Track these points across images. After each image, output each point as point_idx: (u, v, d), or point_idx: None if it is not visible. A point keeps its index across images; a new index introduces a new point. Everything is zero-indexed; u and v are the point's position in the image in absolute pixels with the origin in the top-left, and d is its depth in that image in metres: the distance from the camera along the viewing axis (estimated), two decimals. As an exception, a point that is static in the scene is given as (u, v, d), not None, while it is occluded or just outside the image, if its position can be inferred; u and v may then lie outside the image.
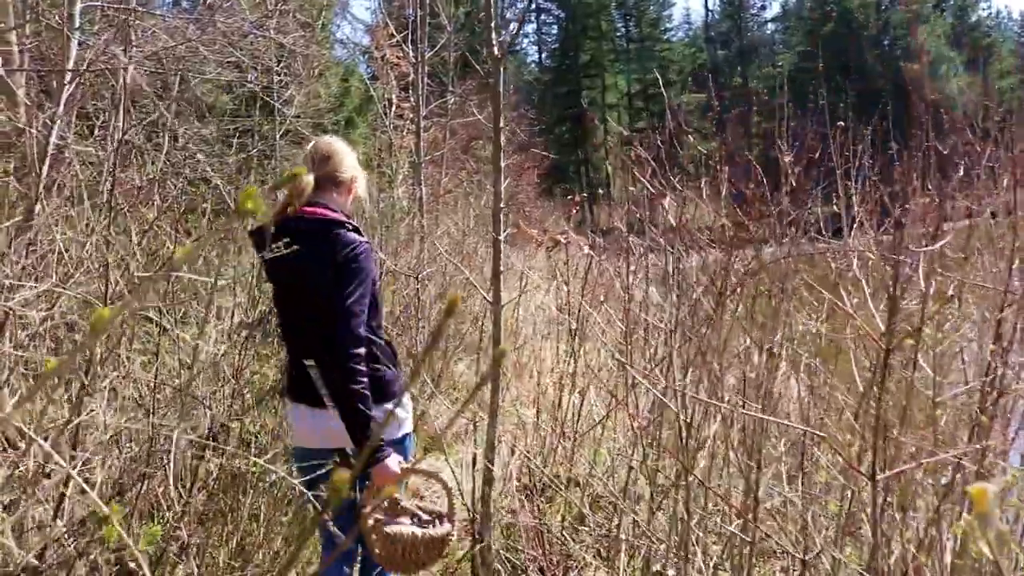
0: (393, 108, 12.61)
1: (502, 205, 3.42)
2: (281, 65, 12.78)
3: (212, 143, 12.00)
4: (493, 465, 3.30)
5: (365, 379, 2.75)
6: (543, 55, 56.97)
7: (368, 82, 16.47)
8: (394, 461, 2.78)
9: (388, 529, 2.76)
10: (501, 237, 3.40)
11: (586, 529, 3.78)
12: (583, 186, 44.44)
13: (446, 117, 12.35)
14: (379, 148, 14.20)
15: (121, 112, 5.40)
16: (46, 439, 2.47)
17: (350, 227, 2.95)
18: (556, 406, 4.58)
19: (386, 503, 2.82)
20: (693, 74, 57.56)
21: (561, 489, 4.04)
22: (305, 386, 2.83)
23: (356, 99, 18.14)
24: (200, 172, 10.87)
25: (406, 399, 3.13)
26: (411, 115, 11.94)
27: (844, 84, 51.28)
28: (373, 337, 2.92)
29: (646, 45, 53.73)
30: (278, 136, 11.88)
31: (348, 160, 3.12)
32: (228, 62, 10.77)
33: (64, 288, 3.16)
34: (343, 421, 2.72)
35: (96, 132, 8.47)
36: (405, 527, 2.78)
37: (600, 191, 50.19)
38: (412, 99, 10.59)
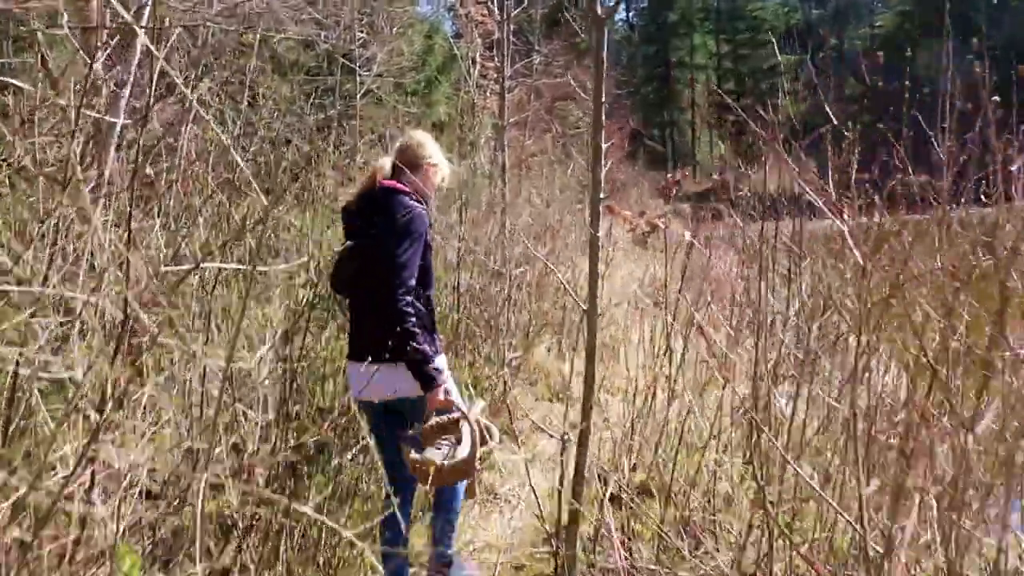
0: (477, 67, 12.15)
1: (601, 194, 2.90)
2: (363, 22, 12.46)
3: (292, 102, 11.78)
4: (582, 483, 2.86)
5: (414, 318, 3.26)
6: (631, 13, 55.67)
7: (452, 40, 16.01)
8: (443, 391, 3.32)
9: (414, 456, 3.23)
10: (600, 233, 2.90)
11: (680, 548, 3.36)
12: (669, 151, 43.47)
13: (531, 77, 11.84)
14: (461, 109, 13.80)
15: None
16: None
17: (411, 197, 3.48)
18: (648, 403, 4.14)
19: (432, 426, 3.32)
20: (786, 34, 55.57)
21: (660, 497, 3.63)
22: (363, 345, 3.35)
23: (439, 58, 17.70)
24: (279, 132, 10.64)
25: (440, 359, 3.49)
26: (495, 75, 11.48)
27: (947, 44, 48.73)
28: (416, 302, 3.35)
29: (737, 4, 51.90)
30: (358, 95, 11.54)
31: (427, 149, 3.69)
32: (307, 18, 10.50)
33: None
34: (408, 361, 3.23)
35: (175, 91, 8.28)
36: (433, 452, 3.27)
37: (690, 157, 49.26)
38: (497, 58, 10.11)
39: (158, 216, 5.56)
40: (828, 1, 55.09)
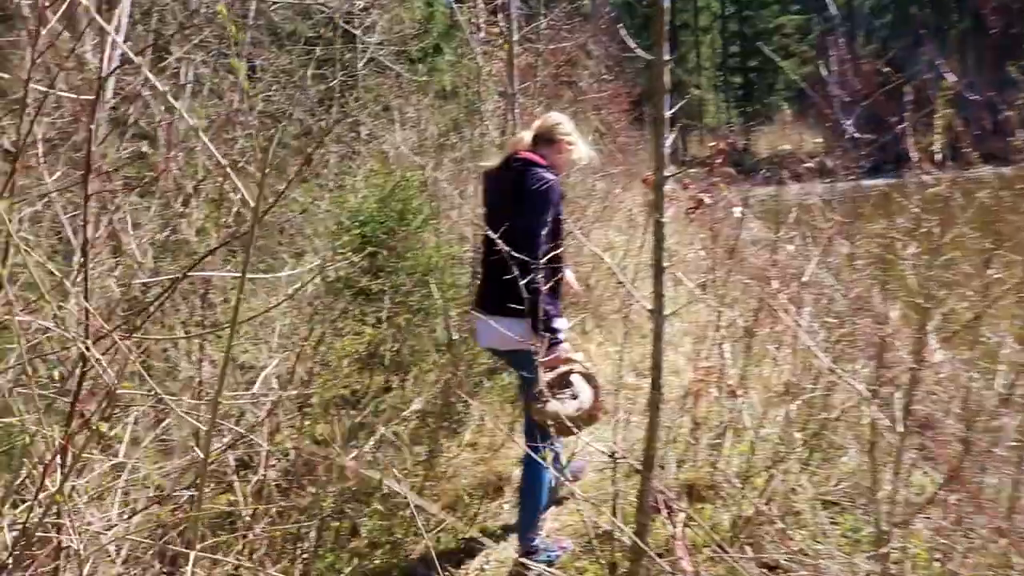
0: (481, 33, 11.70)
1: (665, 173, 2.40)
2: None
3: (291, 74, 11.36)
4: (651, 471, 2.46)
5: (543, 281, 3.45)
6: (633, -24, 54.65)
7: (452, 6, 15.50)
8: (563, 348, 3.64)
9: (548, 409, 3.42)
10: (665, 219, 2.46)
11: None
12: (675, 114, 42.79)
13: (538, 43, 11.38)
14: (466, 77, 13.37)
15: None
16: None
17: (546, 169, 3.82)
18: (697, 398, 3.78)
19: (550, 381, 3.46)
20: (792, -6, 54.68)
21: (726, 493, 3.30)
22: (491, 299, 3.71)
23: (441, 24, 17.22)
24: (278, 105, 10.25)
25: (562, 320, 3.72)
26: (501, 40, 11.03)
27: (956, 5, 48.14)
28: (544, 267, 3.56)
29: (743, -36, 50.94)
30: (360, 65, 11.11)
31: (564, 127, 4.05)
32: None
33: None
34: (529, 316, 3.43)
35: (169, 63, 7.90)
36: (558, 406, 3.40)
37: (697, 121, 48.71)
38: (502, 22, 9.67)
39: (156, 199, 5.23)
40: (835, -42, 54.04)
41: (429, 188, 5.43)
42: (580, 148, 4.11)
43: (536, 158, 3.85)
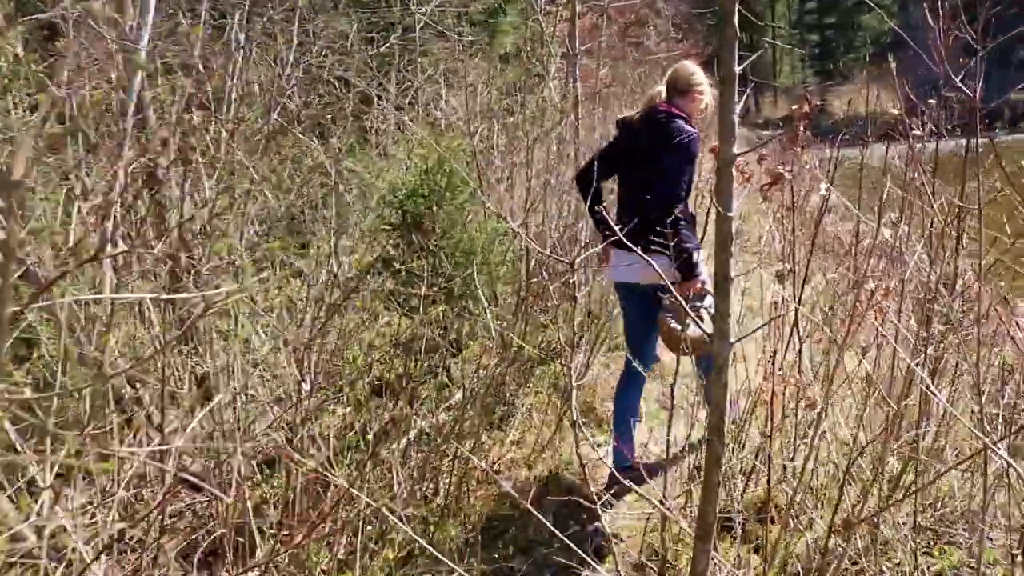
0: (544, -7, 11.23)
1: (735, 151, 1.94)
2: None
3: (349, 39, 11.05)
4: (708, 540, 2.04)
5: (684, 220, 3.79)
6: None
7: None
8: (703, 279, 3.93)
9: (676, 326, 3.78)
10: (733, 212, 1.97)
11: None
12: (747, 72, 41.49)
13: (603, 1, 10.86)
14: (529, 38, 12.90)
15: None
16: None
17: (686, 121, 4.10)
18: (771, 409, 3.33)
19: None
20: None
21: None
22: (633, 236, 3.43)
23: (505, -16, 16.71)
24: (334, 71, 9.95)
25: (700, 253, 4.02)
26: (564, 0, 10.58)
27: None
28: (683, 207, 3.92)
29: (820, -83, 48.90)
30: (418, 28, 10.74)
31: (693, 78, 4.25)
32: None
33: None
34: (675, 253, 3.35)
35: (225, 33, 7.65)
36: (693, 328, 3.51)
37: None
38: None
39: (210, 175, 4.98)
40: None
41: (477, 159, 5.03)
42: (707, 97, 4.31)
43: (677, 111, 4.13)
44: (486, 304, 4.17)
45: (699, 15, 26.64)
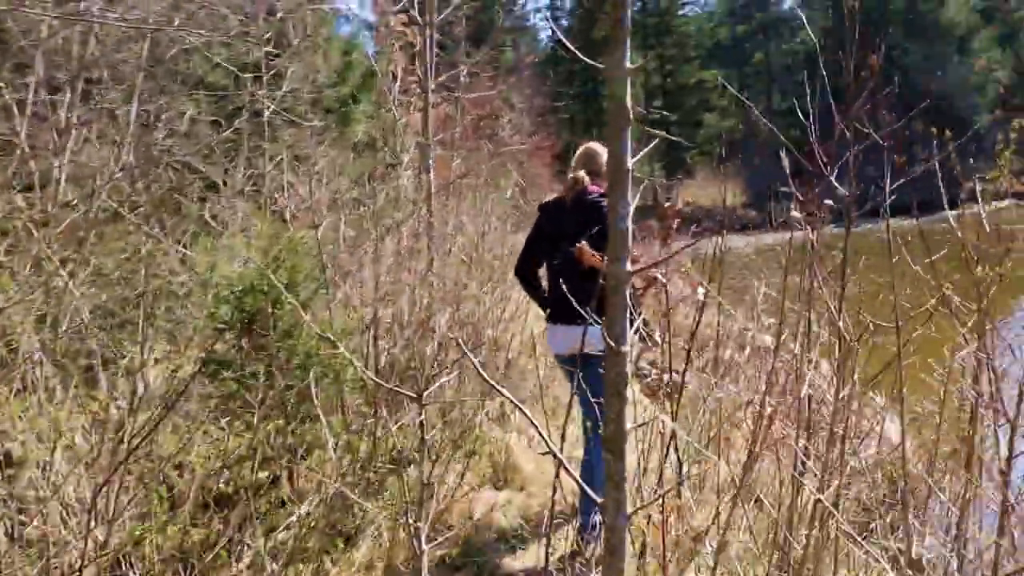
0: (398, 82, 11.13)
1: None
2: (273, 36, 11.31)
3: (200, 123, 10.61)
4: None
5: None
6: (555, 32, 54.96)
7: (371, 56, 14.94)
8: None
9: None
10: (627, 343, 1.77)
11: None
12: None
13: (457, 91, 10.85)
14: (383, 128, 12.77)
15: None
16: None
17: None
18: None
19: None
20: (712, 50, 55.60)
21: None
22: (565, 311, 3.99)
23: (358, 74, 16.63)
24: (178, 156, 9.48)
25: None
26: (418, 89, 10.52)
27: (870, 62, 49.12)
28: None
29: (664, 20, 51.56)
30: (267, 112, 10.42)
31: (603, 157, 4.61)
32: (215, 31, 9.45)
33: None
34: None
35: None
36: None
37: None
38: (419, 69, 9.12)
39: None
40: (752, 17, 55.20)
41: (322, 252, 4.72)
42: None
43: (602, 190, 4.52)
44: (322, 415, 3.79)
45: (552, 109, 27.34)
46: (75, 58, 7.59)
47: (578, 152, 5.00)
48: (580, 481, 2.08)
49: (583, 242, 4.22)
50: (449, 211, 7.88)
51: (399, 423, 4.68)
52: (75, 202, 6.40)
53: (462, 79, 10.78)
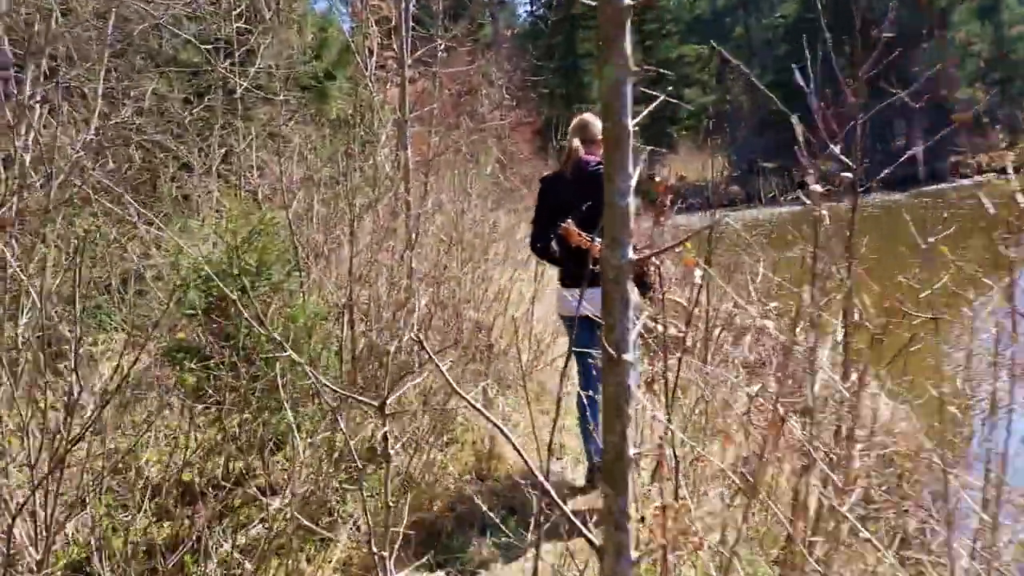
0: (374, 57, 10.84)
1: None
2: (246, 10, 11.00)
3: (171, 100, 10.34)
4: None
5: None
6: (535, 6, 54.59)
7: (345, 32, 14.63)
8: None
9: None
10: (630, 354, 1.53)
11: None
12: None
13: (435, 66, 10.60)
14: (360, 104, 12.50)
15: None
16: None
17: None
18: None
19: None
20: (692, 24, 55.26)
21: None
22: (578, 275, 4.47)
23: (334, 50, 16.31)
24: (148, 135, 9.22)
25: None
26: (395, 65, 10.26)
27: (847, 35, 49.13)
28: None
29: (643, -6, 51.09)
30: (239, 90, 10.14)
31: (597, 126, 4.77)
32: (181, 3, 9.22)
33: None
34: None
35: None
36: None
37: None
38: (396, 44, 8.87)
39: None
40: (732, -9, 54.90)
41: (294, 233, 4.49)
42: None
43: (599, 159, 4.56)
44: (288, 408, 3.55)
45: (532, 84, 27.00)
46: (39, 34, 7.30)
47: (572, 122, 5.19)
48: (542, 478, 1.92)
49: (570, 220, 4.23)
50: (429, 189, 7.65)
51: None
52: (39, 183, 6.15)
53: (439, 54, 10.51)
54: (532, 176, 15.82)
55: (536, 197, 5.16)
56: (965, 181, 35.55)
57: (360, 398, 1.73)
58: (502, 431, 1.85)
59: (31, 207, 5.50)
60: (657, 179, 2.47)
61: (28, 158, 6.48)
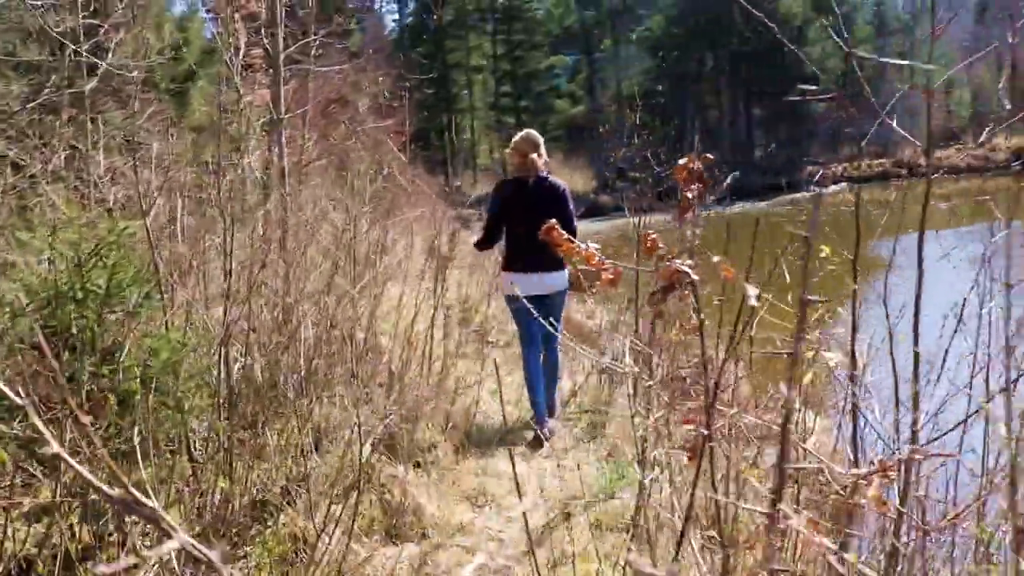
0: (240, 55, 9.96)
1: None
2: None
3: (7, 99, 9.27)
4: None
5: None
6: (404, 14, 53.81)
7: (210, 27, 13.69)
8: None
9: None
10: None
11: None
12: (447, 153, 41.91)
13: (309, 63, 9.85)
14: (225, 107, 11.57)
15: None
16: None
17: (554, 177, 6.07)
18: None
19: None
20: (562, 36, 55.54)
21: None
22: (538, 263, 5.58)
23: (197, 51, 15.26)
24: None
25: None
26: (263, 64, 9.49)
27: (716, 48, 50.62)
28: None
29: (513, 4, 51.00)
30: (87, 89, 9.13)
31: (542, 142, 5.99)
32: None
33: None
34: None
35: None
36: None
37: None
38: (266, 39, 8.10)
39: None
40: (602, 3, 55.30)
41: (154, 246, 3.68)
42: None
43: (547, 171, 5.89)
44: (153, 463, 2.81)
45: (405, 92, 26.29)
46: None
47: (520, 137, 5.98)
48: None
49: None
50: (307, 196, 6.90)
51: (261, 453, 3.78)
52: None
53: (312, 53, 9.75)
54: (410, 187, 15.12)
55: (496, 201, 5.96)
56: (828, 190, 37.04)
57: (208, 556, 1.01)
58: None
59: None
60: (683, 163, 1.91)
61: None
